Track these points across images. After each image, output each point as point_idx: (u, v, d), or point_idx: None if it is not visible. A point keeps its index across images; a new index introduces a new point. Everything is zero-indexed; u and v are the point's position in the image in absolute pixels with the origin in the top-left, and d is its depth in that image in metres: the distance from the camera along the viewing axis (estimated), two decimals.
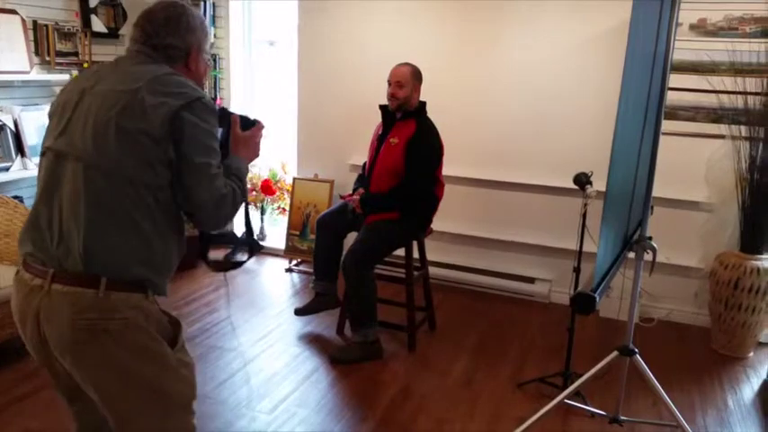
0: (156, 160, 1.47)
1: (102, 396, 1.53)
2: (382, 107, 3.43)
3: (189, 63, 1.65)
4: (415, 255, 3.50)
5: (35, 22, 3.89)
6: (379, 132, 3.45)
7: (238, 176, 1.66)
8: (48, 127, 1.60)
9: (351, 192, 3.51)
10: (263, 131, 1.83)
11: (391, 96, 3.30)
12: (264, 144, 1.88)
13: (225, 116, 1.77)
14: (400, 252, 3.38)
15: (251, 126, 1.81)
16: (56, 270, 1.46)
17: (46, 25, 3.92)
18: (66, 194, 1.48)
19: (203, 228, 1.67)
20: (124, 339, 1.48)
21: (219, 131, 1.77)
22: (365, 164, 3.57)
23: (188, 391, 1.63)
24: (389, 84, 3.30)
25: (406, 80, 3.27)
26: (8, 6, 3.70)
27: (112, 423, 1.57)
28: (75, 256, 1.45)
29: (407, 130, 3.28)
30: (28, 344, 1.57)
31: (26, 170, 3.67)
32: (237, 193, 1.62)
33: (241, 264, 1.99)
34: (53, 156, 1.53)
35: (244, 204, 1.95)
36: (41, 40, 3.90)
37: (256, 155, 1.82)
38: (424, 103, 3.38)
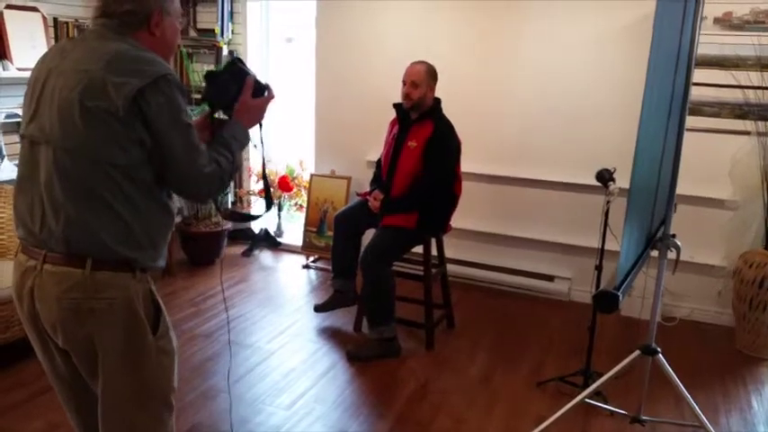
0: (124, 140, 1.44)
1: (88, 376, 1.58)
2: (396, 105, 3.40)
3: (152, 28, 1.56)
4: (434, 252, 3.49)
5: (56, 20, 3.92)
6: (394, 131, 3.42)
7: (230, 149, 1.61)
8: (22, 109, 1.60)
9: (368, 191, 3.50)
10: (273, 101, 1.76)
11: (406, 96, 3.26)
12: (269, 113, 1.78)
13: (239, 75, 1.68)
14: (418, 249, 3.36)
15: (261, 92, 1.72)
16: (47, 252, 1.49)
17: (66, 22, 3.96)
18: (42, 179, 1.49)
19: (190, 200, 1.67)
20: (108, 320, 1.50)
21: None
22: (379, 160, 3.55)
23: (166, 379, 1.62)
24: (404, 83, 3.27)
25: (421, 79, 3.23)
26: (29, 4, 3.74)
27: (99, 406, 1.59)
28: (57, 238, 1.47)
29: (424, 131, 3.24)
30: (24, 322, 1.60)
31: None
32: (225, 170, 1.58)
33: (254, 217, 1.98)
34: (27, 143, 1.54)
35: (262, 167, 1.92)
36: (62, 37, 3.94)
37: (259, 121, 1.75)
38: (438, 101, 3.34)
